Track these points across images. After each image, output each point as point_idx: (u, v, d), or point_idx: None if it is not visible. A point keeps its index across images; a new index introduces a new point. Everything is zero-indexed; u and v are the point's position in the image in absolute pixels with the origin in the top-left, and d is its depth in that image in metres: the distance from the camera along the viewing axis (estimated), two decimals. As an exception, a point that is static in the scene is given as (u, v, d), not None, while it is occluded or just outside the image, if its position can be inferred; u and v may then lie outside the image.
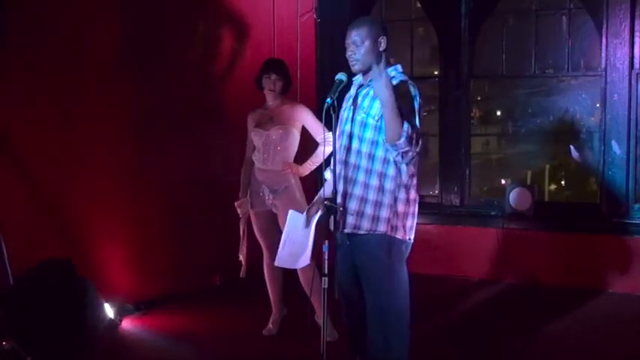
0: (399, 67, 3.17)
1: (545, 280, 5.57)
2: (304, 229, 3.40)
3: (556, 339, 4.42)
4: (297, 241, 3.45)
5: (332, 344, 3.11)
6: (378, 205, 3.05)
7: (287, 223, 3.48)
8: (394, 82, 3.03)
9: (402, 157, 2.97)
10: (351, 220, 3.09)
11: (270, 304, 4.50)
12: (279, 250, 3.52)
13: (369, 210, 3.06)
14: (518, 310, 5.10)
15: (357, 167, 3.09)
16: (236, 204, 4.38)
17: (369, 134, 3.06)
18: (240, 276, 4.42)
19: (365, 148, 3.07)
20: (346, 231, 3.11)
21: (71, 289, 3.84)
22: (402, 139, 2.86)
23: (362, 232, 3.08)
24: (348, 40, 3.09)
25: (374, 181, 3.05)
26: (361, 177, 3.07)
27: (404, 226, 3.10)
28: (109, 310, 4.41)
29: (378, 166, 3.05)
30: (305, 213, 3.41)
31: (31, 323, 3.57)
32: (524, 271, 5.69)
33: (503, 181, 7.19)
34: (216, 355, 4.14)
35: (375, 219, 3.06)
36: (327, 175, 3.36)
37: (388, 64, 3.16)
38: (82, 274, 3.95)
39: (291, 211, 3.52)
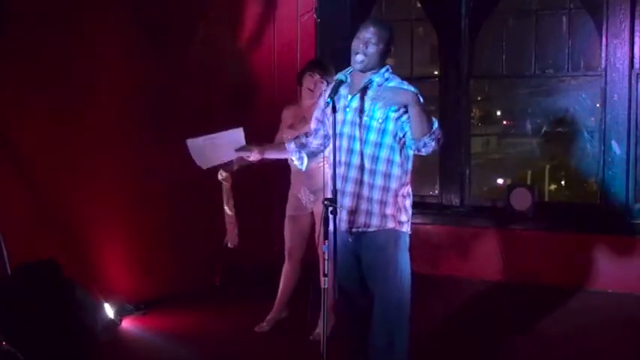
0: (388, 67, 3.20)
1: (545, 280, 5.57)
2: (232, 149, 3.52)
3: (556, 339, 4.41)
4: (218, 148, 3.56)
5: (330, 343, 3.10)
6: (384, 203, 3.14)
7: (231, 131, 3.56)
8: (391, 84, 3.11)
9: (421, 150, 3.06)
10: (360, 219, 3.16)
11: (270, 305, 4.50)
12: (203, 137, 3.59)
13: (376, 209, 3.14)
14: (518, 310, 5.10)
15: (361, 168, 3.14)
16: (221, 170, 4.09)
17: (372, 136, 3.11)
18: (230, 245, 4.31)
19: (369, 150, 3.12)
20: (355, 230, 3.17)
21: (54, 289, 3.77)
22: (429, 138, 2.99)
23: (372, 229, 3.16)
24: (364, 33, 3.07)
25: (379, 181, 3.13)
26: (366, 178, 3.14)
27: (407, 220, 3.21)
28: (109, 310, 4.42)
29: (382, 167, 3.12)
30: (245, 144, 3.53)
31: (14, 325, 3.51)
32: (524, 271, 5.68)
33: (502, 181, 7.20)
34: (216, 355, 4.14)
35: (383, 216, 3.14)
36: (292, 145, 3.46)
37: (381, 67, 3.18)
38: (67, 275, 3.89)
39: (241, 130, 3.58)
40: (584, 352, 4.21)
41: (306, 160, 3.47)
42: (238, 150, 3.54)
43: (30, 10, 4.17)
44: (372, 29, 3.06)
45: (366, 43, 3.06)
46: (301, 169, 3.56)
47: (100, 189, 4.58)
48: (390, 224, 3.15)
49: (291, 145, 3.47)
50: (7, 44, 4.00)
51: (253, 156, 3.54)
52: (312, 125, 3.45)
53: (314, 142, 3.44)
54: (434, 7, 6.23)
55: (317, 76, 4.18)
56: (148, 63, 4.90)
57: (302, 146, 3.45)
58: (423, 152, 3.08)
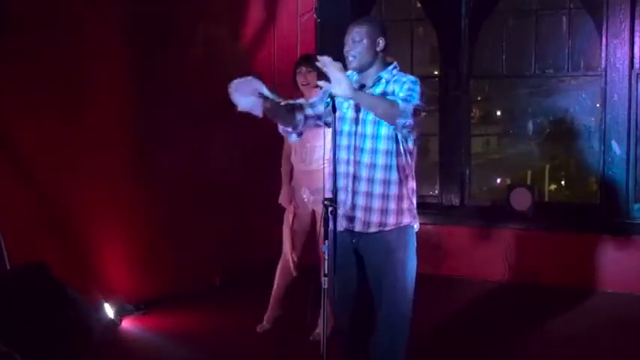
0: (395, 64, 3.18)
1: (545, 280, 5.57)
2: (251, 98, 3.12)
3: (556, 339, 4.42)
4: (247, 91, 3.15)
5: (330, 343, 3.10)
6: (400, 198, 3.09)
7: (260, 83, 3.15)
8: (395, 79, 3.09)
9: (405, 130, 2.97)
10: (375, 218, 3.09)
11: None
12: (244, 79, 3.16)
13: (392, 205, 3.08)
14: (518, 310, 5.10)
15: (373, 166, 3.08)
16: (279, 200, 4.37)
17: (383, 131, 3.07)
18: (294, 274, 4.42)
19: (381, 146, 3.07)
20: (371, 230, 3.10)
21: (42, 291, 3.74)
22: (400, 119, 2.87)
23: (388, 228, 3.09)
24: (347, 36, 3.12)
25: (394, 176, 3.07)
26: (379, 174, 3.07)
27: (417, 215, 3.19)
28: (109, 310, 4.41)
29: (394, 161, 3.07)
30: (264, 93, 3.09)
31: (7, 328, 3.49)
32: (525, 271, 5.69)
33: (502, 181, 7.20)
34: (216, 355, 4.14)
35: (400, 212, 3.10)
36: (300, 117, 3.19)
37: (386, 64, 3.16)
38: (67, 275, 3.85)
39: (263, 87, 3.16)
40: (583, 352, 4.21)
41: (296, 135, 3.29)
42: (257, 99, 3.07)
43: (30, 10, 4.17)
44: (353, 29, 3.09)
45: (351, 45, 3.10)
46: (290, 140, 3.37)
47: (100, 189, 4.58)
48: (407, 219, 3.11)
49: (299, 117, 3.19)
50: (7, 44, 4.00)
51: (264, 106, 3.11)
52: (314, 99, 3.26)
53: (309, 122, 3.24)
54: (434, 7, 6.23)
55: (303, 69, 4.20)
56: (147, 63, 4.90)
57: (306, 118, 3.21)
58: (409, 133, 2.99)
